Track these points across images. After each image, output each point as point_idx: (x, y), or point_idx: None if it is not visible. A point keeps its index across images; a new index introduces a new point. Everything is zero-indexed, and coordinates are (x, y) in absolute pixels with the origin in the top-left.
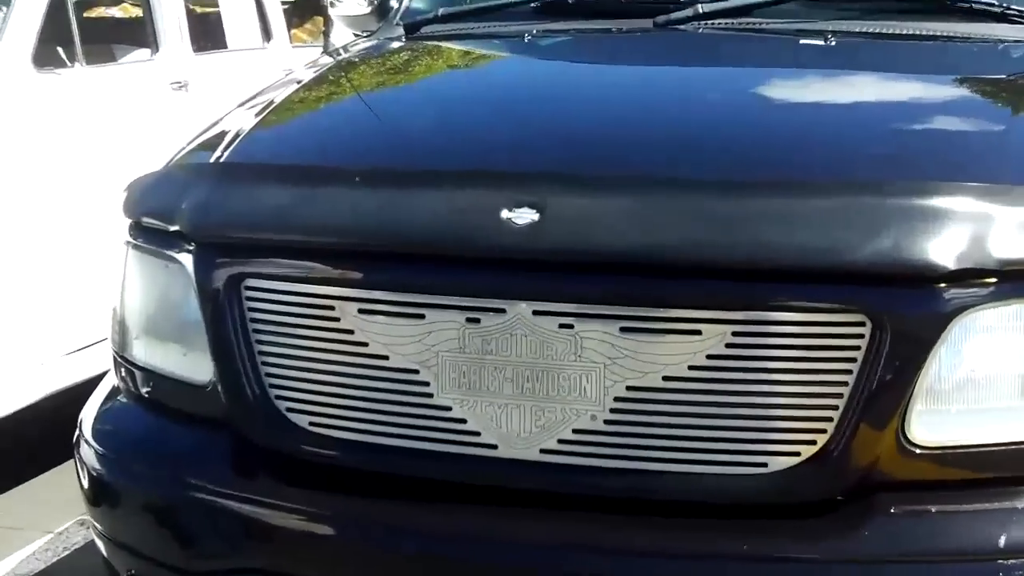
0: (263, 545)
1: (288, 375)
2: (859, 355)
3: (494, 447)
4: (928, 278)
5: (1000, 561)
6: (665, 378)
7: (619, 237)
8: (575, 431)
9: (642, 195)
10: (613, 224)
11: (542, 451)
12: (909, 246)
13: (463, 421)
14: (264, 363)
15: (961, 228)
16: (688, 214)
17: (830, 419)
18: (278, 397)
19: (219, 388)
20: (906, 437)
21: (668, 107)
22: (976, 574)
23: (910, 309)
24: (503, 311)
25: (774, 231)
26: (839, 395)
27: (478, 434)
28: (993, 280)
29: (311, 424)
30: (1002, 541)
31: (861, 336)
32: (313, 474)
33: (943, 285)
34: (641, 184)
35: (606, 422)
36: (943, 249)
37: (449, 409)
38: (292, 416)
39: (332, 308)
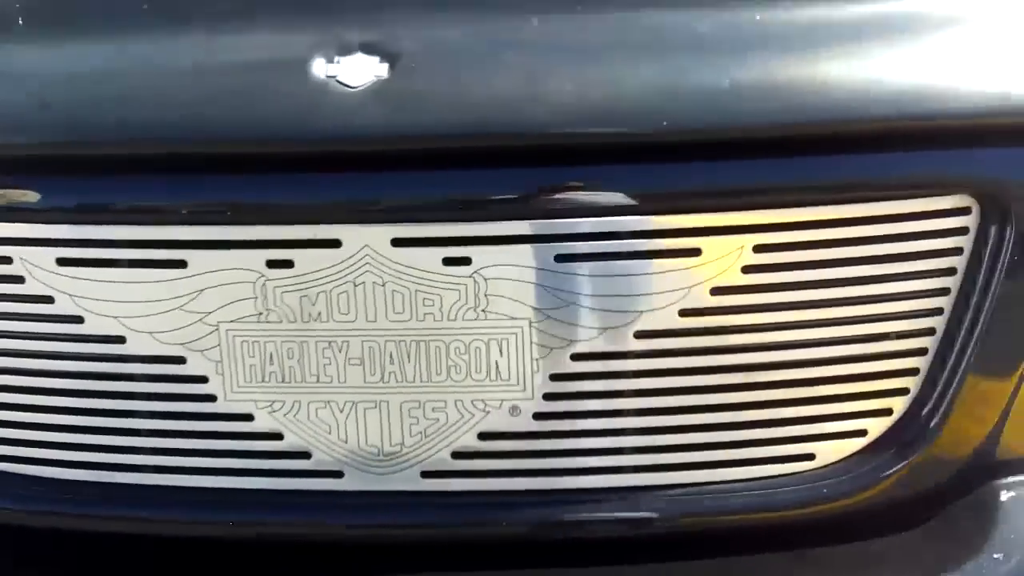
0: None
1: None
2: (960, 263)
3: (337, 475)
4: None
5: None
6: (639, 335)
7: (542, 96)
8: (482, 435)
9: (571, 15)
10: (523, 72)
11: (425, 474)
12: None
13: (276, 436)
14: None
15: None
16: (651, 39)
17: (913, 371)
18: None
19: None
20: None
21: None
22: None
23: None
24: (337, 244)
25: (806, 62)
26: (928, 331)
27: (306, 455)
28: None
29: None
30: None
31: (964, 231)
32: None
33: None
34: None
35: (537, 416)
36: None
37: (249, 419)
38: None
39: (8, 260)
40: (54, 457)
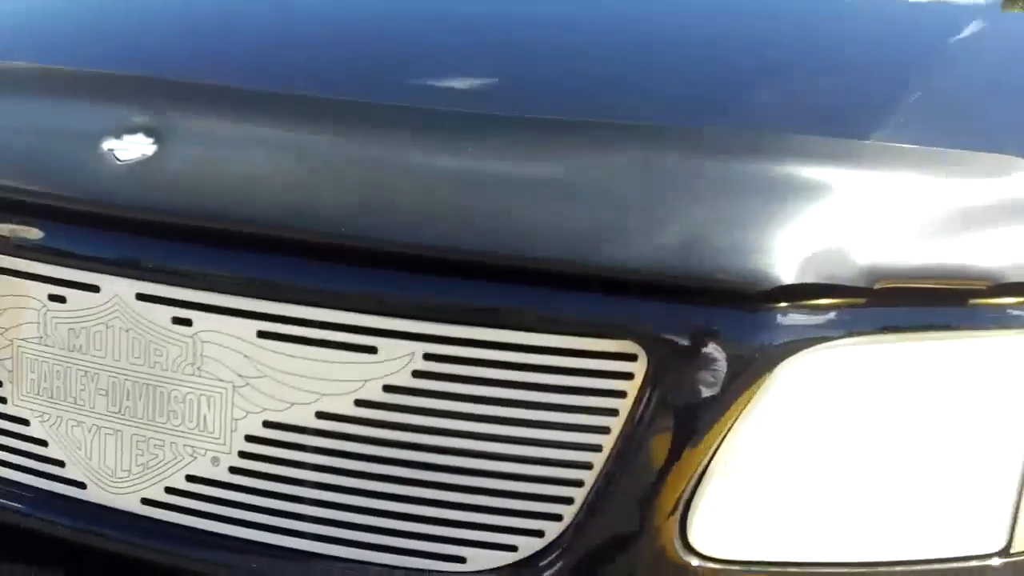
0: None
1: None
2: (624, 406)
3: (82, 486)
4: (746, 295)
5: None
6: (320, 415)
7: (259, 190)
8: (189, 477)
9: (295, 126)
10: (251, 170)
11: (144, 501)
12: (712, 237)
13: (43, 443)
14: None
15: (803, 212)
16: (355, 162)
17: (568, 500)
18: None
19: None
20: (686, 542)
21: None
22: None
23: (712, 341)
24: (96, 289)
25: (482, 200)
26: (586, 464)
27: (62, 464)
28: (852, 302)
29: None
30: None
31: (628, 376)
32: None
33: (769, 306)
34: (294, 108)
35: (233, 470)
36: (771, 246)
37: (26, 423)
38: None
39: None
40: None
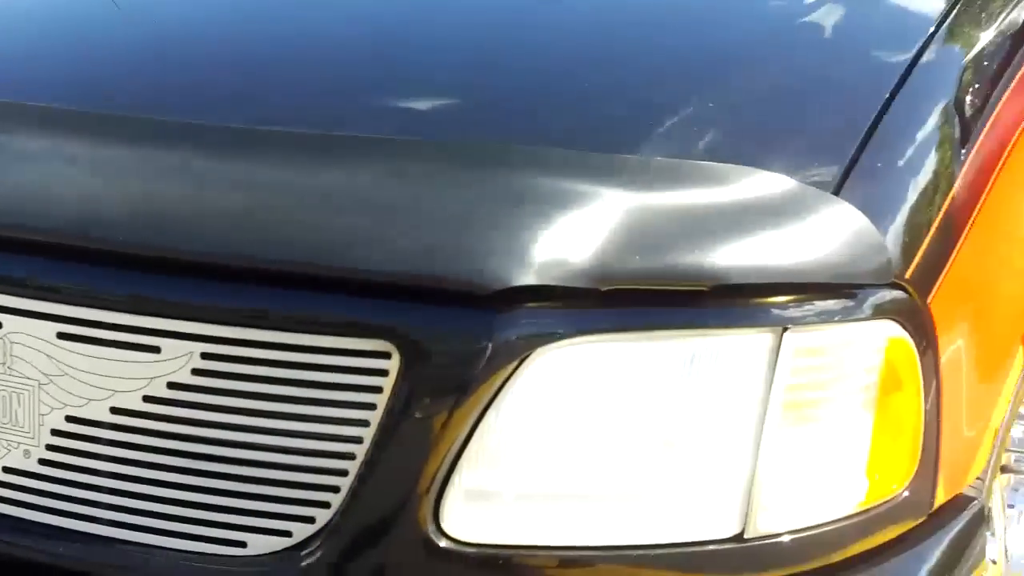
0: None
1: None
2: (380, 400)
3: None
4: (482, 296)
5: None
6: (113, 410)
7: (53, 202)
8: (6, 469)
9: (85, 141)
10: (46, 182)
11: None
12: (452, 242)
13: None
14: None
15: (538, 219)
16: (127, 171)
17: (335, 489)
18: None
19: None
20: (439, 527)
21: None
22: None
23: (456, 339)
24: None
25: (248, 208)
26: (349, 455)
27: None
28: (584, 303)
29: None
30: None
31: (384, 373)
32: None
33: (506, 306)
34: (84, 125)
35: (41, 462)
36: (506, 251)
37: None
38: None
39: None
40: None
